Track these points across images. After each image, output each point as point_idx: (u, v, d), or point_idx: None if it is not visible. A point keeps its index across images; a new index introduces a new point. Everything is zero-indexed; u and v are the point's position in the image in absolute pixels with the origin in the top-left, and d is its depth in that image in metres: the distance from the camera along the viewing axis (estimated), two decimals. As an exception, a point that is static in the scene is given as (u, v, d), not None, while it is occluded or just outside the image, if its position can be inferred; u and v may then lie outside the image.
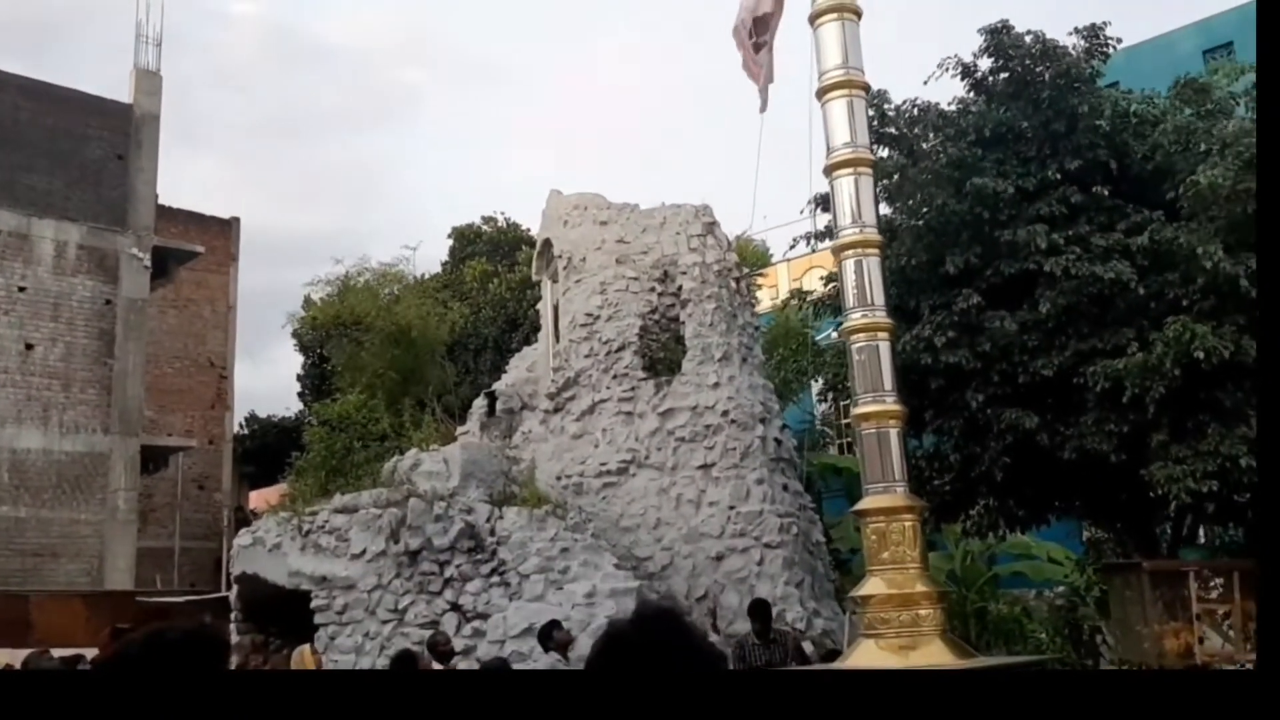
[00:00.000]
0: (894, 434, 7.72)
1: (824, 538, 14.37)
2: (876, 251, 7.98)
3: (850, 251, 7.98)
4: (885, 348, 7.83)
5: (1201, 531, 10.93)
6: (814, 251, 15.98)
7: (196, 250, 25.73)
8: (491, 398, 16.03)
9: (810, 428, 23.61)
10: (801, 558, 12.88)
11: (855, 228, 8.01)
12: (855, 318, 7.93)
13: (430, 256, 31.86)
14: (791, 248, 12.99)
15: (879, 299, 7.90)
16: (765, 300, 22.61)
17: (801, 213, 11.79)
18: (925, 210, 10.19)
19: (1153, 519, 10.46)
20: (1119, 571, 9.73)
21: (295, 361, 31.98)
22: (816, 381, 25.74)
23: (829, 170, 8.17)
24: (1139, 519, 10.43)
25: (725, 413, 13.35)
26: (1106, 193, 9.60)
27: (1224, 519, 10.51)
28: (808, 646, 11.53)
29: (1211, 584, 8.93)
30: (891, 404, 7.76)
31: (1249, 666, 8.91)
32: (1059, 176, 9.80)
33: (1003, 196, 9.53)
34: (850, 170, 8.07)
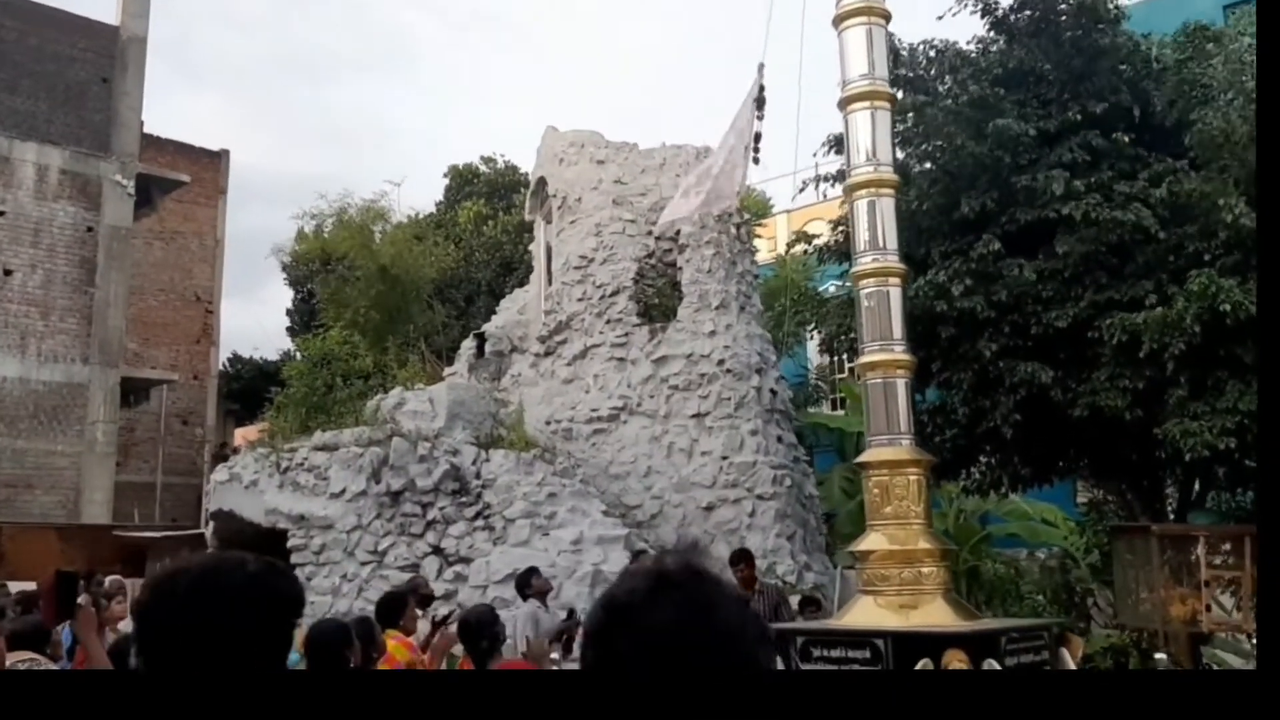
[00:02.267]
0: (901, 384, 7.32)
1: (816, 491, 14.07)
2: (891, 192, 7.52)
3: (863, 191, 7.52)
4: (896, 294, 7.40)
5: (1210, 496, 10.60)
6: (824, 199, 15.52)
7: (182, 180, 25.10)
8: (481, 339, 15.63)
9: (804, 383, 23.30)
10: (794, 510, 12.58)
11: (869, 166, 7.55)
12: (865, 261, 7.49)
13: (427, 199, 31.20)
14: (800, 191, 12.54)
15: (891, 243, 7.46)
16: (764, 252, 22.17)
17: (814, 155, 11.31)
18: (940, 153, 9.73)
19: (1161, 481, 10.13)
20: (1125, 534, 9.41)
21: (287, 301, 31.50)
22: (813, 336, 25.47)
23: (844, 103, 7.69)
24: (1148, 481, 10.11)
25: (721, 361, 12.98)
26: (1128, 139, 9.15)
27: (1235, 483, 10.19)
28: (794, 600, 11.27)
29: (1221, 550, 8.61)
30: (900, 353, 7.36)
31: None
32: (1080, 119, 9.34)
33: (1024, 139, 9.07)
34: (867, 104, 7.58)
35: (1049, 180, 8.74)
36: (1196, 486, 10.06)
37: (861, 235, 7.53)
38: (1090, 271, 8.89)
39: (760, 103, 9.06)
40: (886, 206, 7.48)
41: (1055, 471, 10.99)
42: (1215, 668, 9.65)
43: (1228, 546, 8.78)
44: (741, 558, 9.68)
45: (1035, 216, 8.99)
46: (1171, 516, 10.09)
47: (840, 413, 22.56)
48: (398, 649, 6.06)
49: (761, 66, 10.48)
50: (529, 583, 8.80)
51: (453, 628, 7.13)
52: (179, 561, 1.79)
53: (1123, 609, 10.16)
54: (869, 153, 7.61)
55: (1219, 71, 8.38)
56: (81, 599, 4.59)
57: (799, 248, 12.44)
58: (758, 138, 9.45)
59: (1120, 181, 8.99)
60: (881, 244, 7.44)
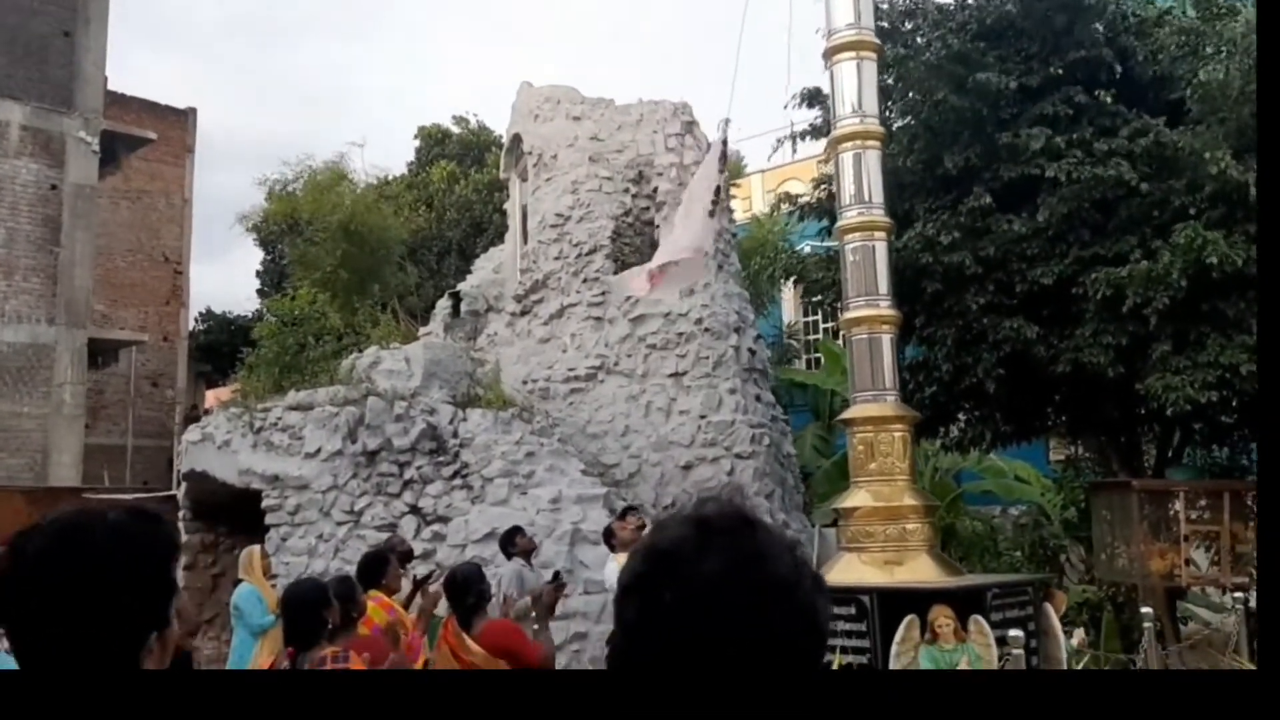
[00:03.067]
0: (886, 340, 7.28)
1: (794, 450, 14.05)
2: (877, 144, 7.45)
3: (849, 144, 7.45)
4: (882, 248, 7.35)
5: (1187, 452, 10.65)
6: (796, 159, 15.34)
7: (148, 137, 24.59)
8: (456, 298, 15.46)
9: (778, 342, 23.29)
10: (772, 469, 12.55)
11: (855, 118, 7.47)
12: (851, 215, 7.43)
13: (399, 160, 30.73)
14: (775, 150, 12.39)
15: (877, 196, 7.40)
16: (739, 212, 22.07)
17: (785, 107, 11.16)
18: (920, 108, 9.61)
19: (1140, 437, 10.16)
20: (1104, 490, 9.47)
21: (256, 263, 31.08)
22: (785, 291, 25.43)
23: (829, 54, 7.58)
24: (1126, 437, 10.14)
25: (699, 320, 12.87)
26: (1110, 97, 9.07)
27: (1213, 439, 10.25)
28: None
29: (1199, 504, 8.67)
30: (885, 309, 7.32)
31: (1233, 590, 8.70)
32: (1061, 74, 9.25)
33: (1005, 93, 8.97)
34: (852, 54, 7.49)
35: (1030, 138, 8.66)
36: (1175, 442, 10.09)
37: (847, 189, 7.45)
38: (1074, 228, 8.84)
39: (724, 157, 8.87)
40: (872, 159, 7.40)
41: (1035, 428, 11.01)
42: (1189, 622, 9.75)
43: (1205, 502, 8.85)
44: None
45: (1018, 173, 8.92)
46: (1149, 472, 10.14)
47: (815, 372, 22.56)
48: (375, 610, 5.98)
49: (726, 122, 10.35)
50: (513, 541, 8.74)
51: (435, 586, 7.07)
52: (37, 520, 1.66)
53: (1099, 564, 10.24)
54: (854, 104, 7.53)
55: (1235, 28, 8.27)
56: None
57: (783, 208, 12.25)
58: (718, 190, 9.29)
59: (1101, 138, 8.93)
60: (867, 198, 7.38)
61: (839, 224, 7.57)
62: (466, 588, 5.10)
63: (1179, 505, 8.52)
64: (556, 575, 7.74)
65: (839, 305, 10.82)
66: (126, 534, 1.58)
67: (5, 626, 1.58)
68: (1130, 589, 10.14)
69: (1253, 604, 7.54)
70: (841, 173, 7.54)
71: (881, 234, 7.35)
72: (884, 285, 7.30)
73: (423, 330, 15.54)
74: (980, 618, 6.18)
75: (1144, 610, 7.28)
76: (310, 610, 4.62)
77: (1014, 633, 5.48)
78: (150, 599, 1.58)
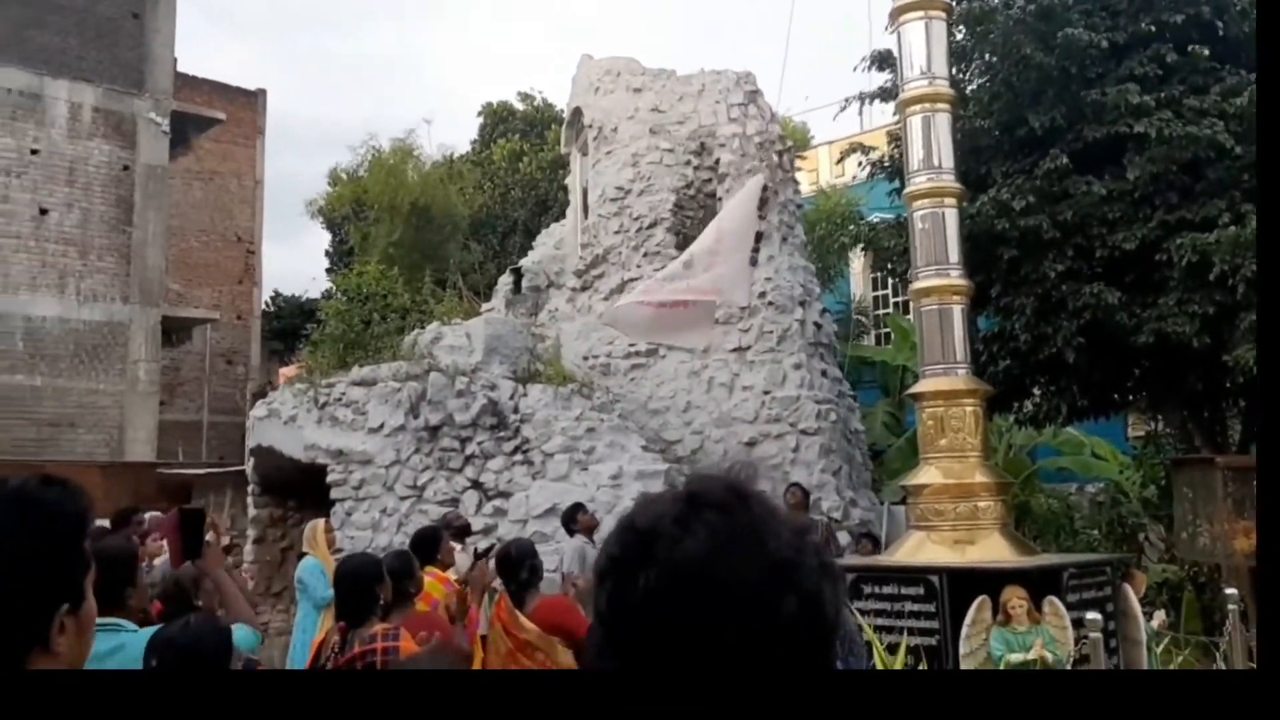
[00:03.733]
0: (957, 311, 7.01)
1: (861, 426, 13.78)
2: (947, 107, 7.14)
3: (917, 107, 7.15)
4: (952, 215, 7.06)
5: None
6: (864, 130, 14.95)
7: (218, 118, 24.91)
8: (517, 274, 15.39)
9: (845, 316, 22.91)
10: (839, 445, 12.30)
11: (924, 79, 7.17)
12: (920, 181, 7.14)
13: (463, 139, 30.73)
14: (842, 110, 12.02)
15: (947, 161, 7.11)
16: (805, 185, 21.67)
17: (854, 70, 10.82)
18: (1001, 66, 9.22)
19: (1224, 411, 9.73)
20: (1186, 467, 9.06)
21: (324, 244, 31.45)
22: (854, 264, 24.99)
23: (896, 14, 7.29)
24: (1209, 411, 9.71)
25: (763, 294, 12.63)
26: (1206, 52, 8.61)
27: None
28: (843, 537, 11.07)
29: (1288, 483, 8.25)
30: (956, 278, 7.03)
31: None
32: (1152, 30, 8.81)
33: (1094, 50, 8.56)
34: (920, 14, 7.19)
35: (1121, 94, 8.24)
36: (1263, 416, 9.63)
37: (915, 154, 7.17)
38: (1160, 191, 8.42)
39: (764, 203, 8.43)
40: (942, 123, 7.11)
41: (1114, 402, 10.60)
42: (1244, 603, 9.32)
43: (1295, 479, 8.42)
44: (792, 485, 9.68)
45: (1104, 133, 8.51)
46: (1234, 448, 9.71)
47: (884, 348, 22.17)
48: (434, 585, 5.90)
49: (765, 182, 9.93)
50: (575, 518, 8.64)
51: (491, 562, 6.99)
52: None
53: (1180, 543, 9.85)
54: (923, 66, 7.23)
55: None
56: (209, 536, 4.38)
57: (852, 158, 11.89)
58: (759, 237, 8.87)
59: (1191, 96, 8.49)
60: (936, 163, 7.09)
61: (907, 190, 7.29)
62: (519, 564, 4.99)
63: (1267, 483, 8.12)
64: None
65: (909, 273, 10.57)
66: (27, 501, 1.46)
67: None
68: (1213, 569, 9.74)
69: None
70: (910, 137, 7.26)
71: (951, 200, 7.06)
72: (954, 254, 7.02)
73: (485, 307, 15.51)
74: (1055, 599, 5.92)
75: (1228, 591, 6.94)
76: (362, 586, 4.53)
77: (1092, 615, 5.21)
78: (56, 571, 1.46)
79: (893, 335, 20.72)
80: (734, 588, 1.07)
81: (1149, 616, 6.93)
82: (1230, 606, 6.47)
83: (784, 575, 1.10)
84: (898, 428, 18.44)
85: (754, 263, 8.61)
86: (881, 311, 25.75)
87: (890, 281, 24.77)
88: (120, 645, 3.43)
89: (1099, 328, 8.63)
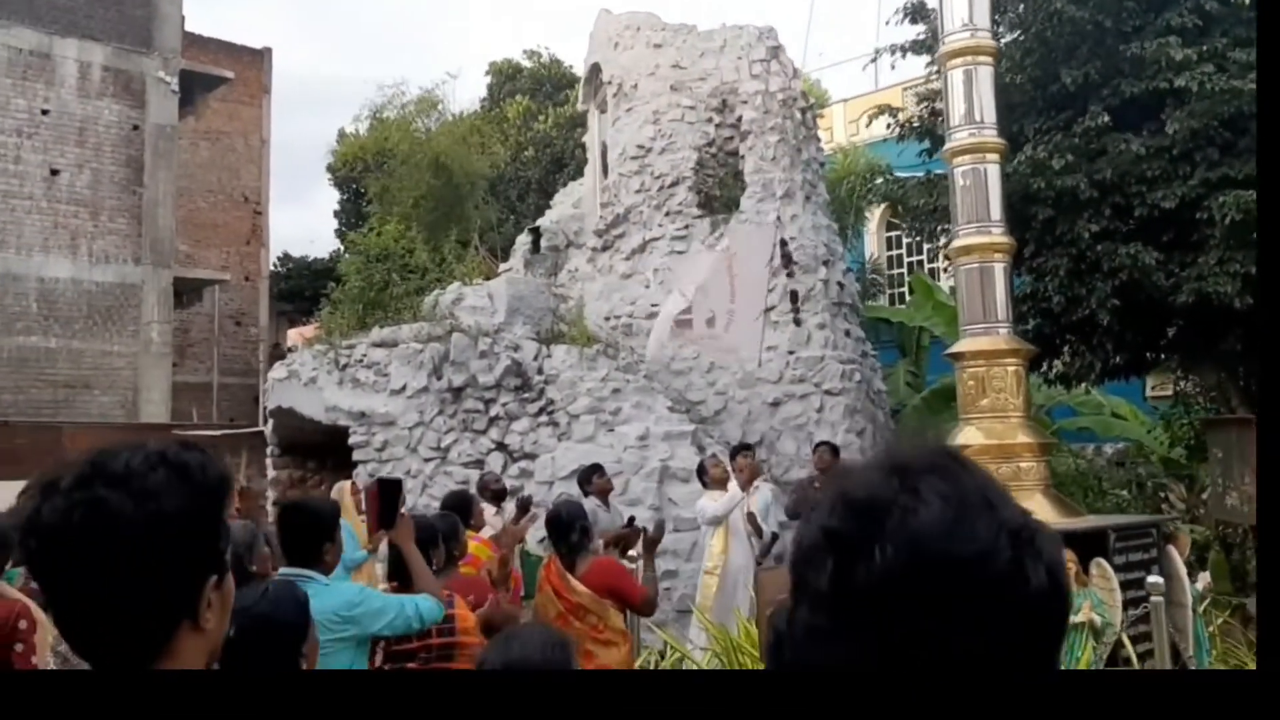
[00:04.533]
0: (999, 269, 6.89)
1: (884, 386, 13.69)
2: (990, 60, 6.98)
3: (959, 60, 6.99)
4: (994, 171, 6.92)
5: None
6: (878, 88, 14.67)
7: (226, 76, 24.66)
8: (536, 234, 15.25)
9: (861, 276, 22.77)
10: (863, 405, 12.22)
11: (966, 32, 7.00)
12: (961, 137, 7.00)
13: (471, 99, 30.40)
14: (873, 61, 11.81)
15: (989, 116, 6.95)
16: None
17: (887, 23, 10.62)
18: (1034, 21, 9.03)
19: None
20: (1221, 426, 8.98)
21: (332, 206, 31.22)
22: (869, 225, 24.80)
23: (938, -36, 7.12)
24: (1248, 370, 9.62)
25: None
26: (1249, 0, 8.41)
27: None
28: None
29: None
30: (998, 235, 6.91)
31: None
32: None
33: (1130, 2, 8.37)
34: (963, -36, 7.00)
35: (1162, 48, 8.05)
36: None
37: (957, 108, 7.01)
38: (1201, 148, 8.25)
39: (788, 259, 8.31)
40: (984, 76, 6.95)
41: (1148, 361, 10.50)
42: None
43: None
44: (821, 445, 9.67)
45: (1142, 89, 8.33)
46: (1270, 409, 9.62)
47: (900, 308, 22.04)
48: (480, 549, 5.86)
49: (778, 221, 9.84)
50: (590, 480, 8.60)
51: (524, 521, 6.96)
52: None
53: (1212, 503, 9.80)
54: (965, 18, 7.05)
55: None
56: (404, 508, 4.40)
57: (882, 120, 11.72)
58: (795, 296, 8.82)
59: (1235, 49, 8.30)
60: (978, 118, 6.95)
61: (947, 146, 7.14)
62: (570, 525, 4.92)
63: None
64: (631, 520, 7.57)
65: (941, 231, 10.43)
66: (175, 466, 1.35)
67: (36, 576, 1.36)
68: (1244, 530, 9.69)
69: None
70: (950, 91, 7.09)
71: (994, 156, 6.92)
72: (996, 211, 6.89)
73: (503, 267, 15.39)
74: (1103, 560, 5.86)
75: None
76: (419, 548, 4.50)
77: (1153, 579, 5.15)
78: (206, 540, 1.37)
79: (914, 293, 20.55)
80: (981, 559, 0.97)
81: (1194, 579, 6.86)
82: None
83: (1027, 543, 1.00)
84: (918, 385, 18.35)
85: (798, 323, 8.72)
86: (896, 271, 25.60)
87: (905, 241, 24.63)
88: (314, 595, 3.52)
89: (1135, 288, 8.50)
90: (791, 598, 1.08)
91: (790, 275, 8.12)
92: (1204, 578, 7.57)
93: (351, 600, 3.89)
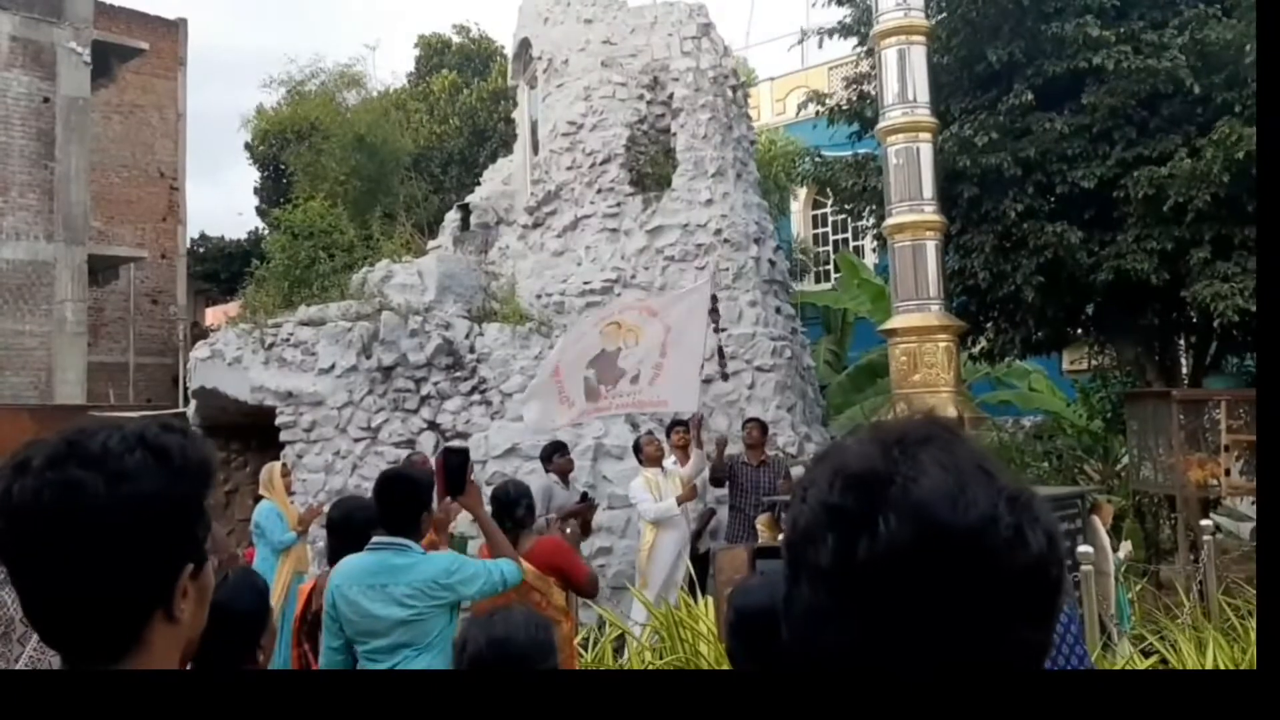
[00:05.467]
0: (931, 247, 7.04)
1: (812, 363, 13.86)
2: (923, 39, 7.10)
3: (892, 39, 7.09)
4: (927, 150, 7.05)
5: (1223, 360, 10.44)
6: (805, 67, 14.76)
7: (140, 47, 23.94)
8: (465, 210, 15.09)
9: (787, 255, 22.98)
10: (793, 382, 12.36)
11: (899, 10, 7.10)
12: (895, 115, 7.11)
13: (397, 73, 29.88)
14: (800, 42, 11.89)
15: (922, 95, 7.08)
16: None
17: (813, 5, 10.70)
18: (958, 3, 9.17)
19: (1177, 345, 9.98)
20: (1140, 400, 9.27)
21: (250, 183, 30.52)
22: (795, 204, 25.03)
23: (871, -56, 7.18)
24: (1163, 344, 9.94)
25: (718, 231, 12.55)
26: None
27: (1251, 346, 10.05)
28: (797, 471, 11.16)
29: (1239, 413, 8.47)
30: (930, 214, 7.06)
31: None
32: None
33: (1049, -16, 8.57)
34: (896, -56, 7.09)
35: (1080, 28, 8.25)
36: (1212, 350, 9.88)
37: (890, 88, 7.11)
38: (1119, 126, 8.49)
39: (715, 314, 8.28)
40: (917, 55, 7.06)
41: (1068, 336, 10.80)
42: (1216, 533, 9.65)
43: (1244, 410, 8.66)
44: (749, 421, 9.72)
45: (1064, 68, 8.53)
46: (1185, 381, 9.95)
47: (825, 287, 22.34)
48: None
49: (716, 268, 9.89)
50: (551, 458, 8.55)
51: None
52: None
53: (1129, 473, 10.12)
54: (898, -2, 7.13)
55: None
56: (473, 476, 4.53)
57: (810, 108, 11.82)
58: (721, 352, 8.81)
59: (1149, 30, 8.53)
60: (912, 96, 7.06)
61: (881, 124, 7.24)
62: (516, 502, 4.92)
63: (1220, 414, 8.32)
64: (585, 495, 7.59)
65: (870, 212, 10.58)
66: (154, 448, 1.28)
67: (3, 560, 1.29)
68: (1159, 499, 10.03)
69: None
70: (884, 70, 7.19)
71: (927, 135, 7.04)
72: (929, 190, 7.03)
73: (431, 244, 15.20)
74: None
75: (1204, 522, 7.13)
76: (358, 533, 4.50)
77: (1084, 548, 5.30)
78: (185, 527, 1.31)
79: (840, 271, 20.81)
80: (984, 526, 0.98)
81: (1116, 549, 7.09)
82: (1206, 537, 6.64)
83: (1025, 508, 1.02)
84: (840, 363, 18.62)
85: (725, 378, 8.74)
86: (822, 249, 25.89)
87: (831, 220, 24.91)
88: (413, 564, 4.05)
89: (1058, 265, 8.72)
90: (787, 579, 1.08)
91: (717, 330, 8.18)
92: (1125, 547, 7.83)
93: (448, 568, 4.13)
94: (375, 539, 4.17)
